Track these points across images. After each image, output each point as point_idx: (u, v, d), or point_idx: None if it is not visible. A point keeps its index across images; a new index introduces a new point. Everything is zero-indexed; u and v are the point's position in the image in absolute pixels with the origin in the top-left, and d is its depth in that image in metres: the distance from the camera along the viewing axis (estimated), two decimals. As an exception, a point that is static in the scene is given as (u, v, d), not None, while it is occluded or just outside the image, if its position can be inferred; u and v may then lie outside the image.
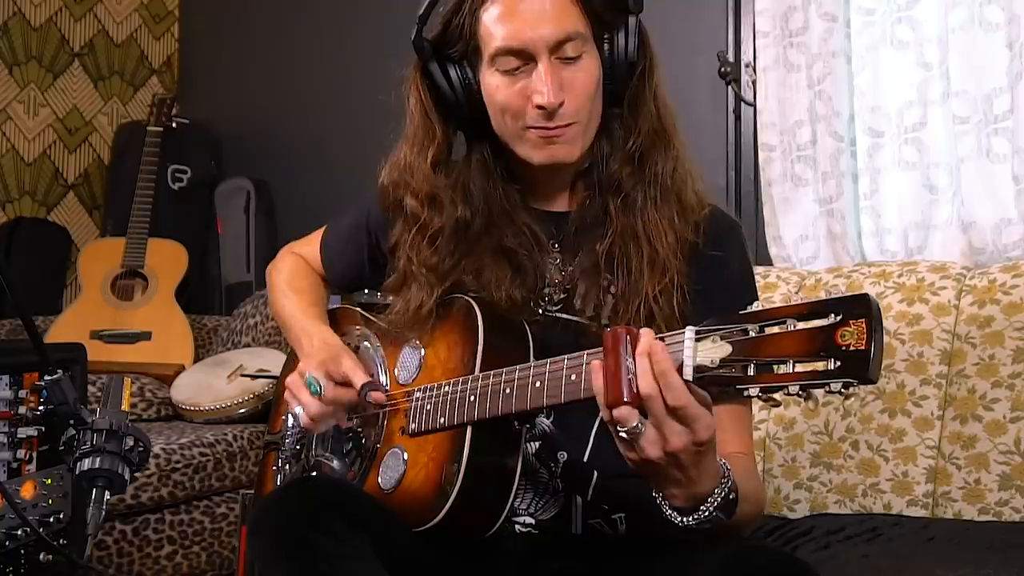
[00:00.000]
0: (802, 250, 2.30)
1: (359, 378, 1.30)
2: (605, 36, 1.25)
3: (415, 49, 1.29)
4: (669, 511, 1.04)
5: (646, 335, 0.97)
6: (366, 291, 2.44)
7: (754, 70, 2.40)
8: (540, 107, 1.21)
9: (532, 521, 1.24)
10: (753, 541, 1.17)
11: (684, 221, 1.27)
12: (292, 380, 1.34)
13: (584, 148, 1.27)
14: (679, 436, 0.95)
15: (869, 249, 2.23)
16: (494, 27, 1.22)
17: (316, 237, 1.60)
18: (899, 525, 1.68)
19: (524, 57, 1.21)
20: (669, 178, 1.28)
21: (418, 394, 1.26)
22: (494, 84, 1.24)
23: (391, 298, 1.38)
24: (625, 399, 0.95)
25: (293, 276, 1.56)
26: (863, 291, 1.91)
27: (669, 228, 1.26)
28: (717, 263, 1.28)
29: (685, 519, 1.03)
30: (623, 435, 0.97)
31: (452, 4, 1.25)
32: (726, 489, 1.02)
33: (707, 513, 1.02)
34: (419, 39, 1.28)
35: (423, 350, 1.31)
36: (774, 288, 2.05)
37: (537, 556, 1.23)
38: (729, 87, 2.47)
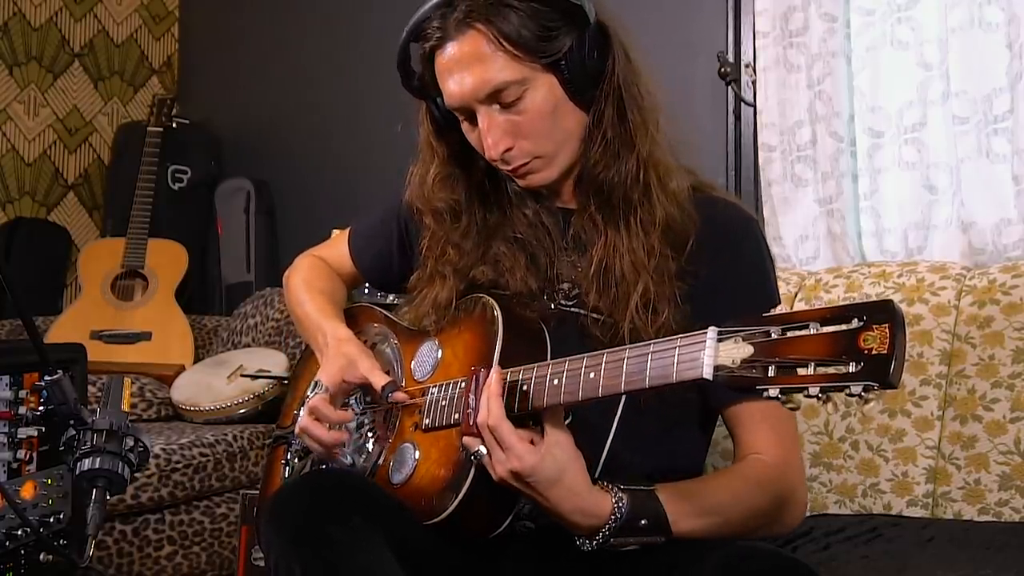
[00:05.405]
0: (802, 250, 2.31)
1: (379, 379, 1.33)
2: (560, 58, 1.20)
3: (405, 89, 1.33)
4: (575, 535, 1.13)
5: (494, 372, 1.12)
6: (366, 290, 2.45)
7: (754, 70, 2.40)
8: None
9: (532, 525, 1.24)
10: (753, 542, 1.16)
11: (657, 228, 1.24)
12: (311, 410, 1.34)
13: (563, 166, 1.28)
14: (502, 463, 1.09)
15: (869, 249, 2.23)
16: (439, 84, 1.25)
17: (336, 240, 1.63)
18: (899, 525, 1.68)
19: (466, 112, 1.25)
20: (635, 183, 1.25)
21: (434, 390, 1.27)
22: (463, 128, 1.29)
23: (392, 297, 1.40)
24: (467, 430, 1.13)
25: (311, 277, 1.59)
26: (864, 291, 1.92)
27: (637, 239, 1.24)
28: (716, 272, 1.25)
29: (587, 542, 1.12)
30: (472, 458, 1.13)
31: (417, 55, 1.28)
32: (619, 519, 1.09)
33: (601, 540, 1.10)
34: (406, 83, 1.32)
35: (441, 349, 1.32)
36: (774, 288, 2.05)
37: (537, 557, 1.23)
38: (729, 87, 2.47)
